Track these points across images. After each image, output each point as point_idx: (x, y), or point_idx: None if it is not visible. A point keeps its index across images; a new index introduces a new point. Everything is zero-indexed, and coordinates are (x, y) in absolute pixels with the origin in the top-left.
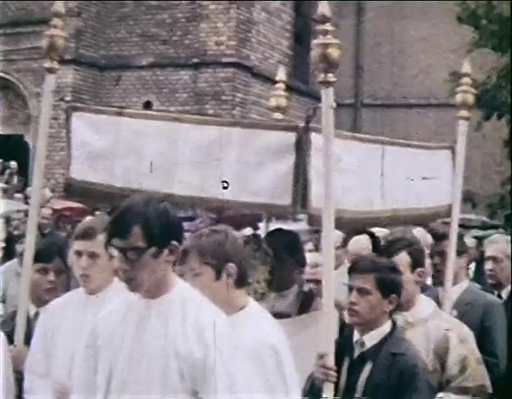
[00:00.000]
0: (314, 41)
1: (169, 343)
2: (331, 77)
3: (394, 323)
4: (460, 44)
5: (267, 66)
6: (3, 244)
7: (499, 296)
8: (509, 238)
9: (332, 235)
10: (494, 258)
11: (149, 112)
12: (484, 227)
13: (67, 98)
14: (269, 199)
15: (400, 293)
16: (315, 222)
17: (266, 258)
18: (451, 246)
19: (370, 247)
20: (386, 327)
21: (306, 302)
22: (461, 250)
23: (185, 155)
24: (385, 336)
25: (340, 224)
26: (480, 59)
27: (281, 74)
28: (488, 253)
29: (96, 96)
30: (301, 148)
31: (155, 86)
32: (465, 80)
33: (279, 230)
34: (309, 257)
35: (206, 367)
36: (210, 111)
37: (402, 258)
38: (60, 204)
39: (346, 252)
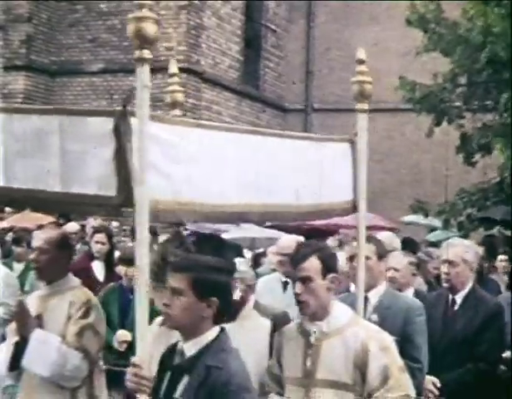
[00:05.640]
0: (129, 16)
1: None
2: (147, 54)
3: (222, 331)
4: (409, 49)
5: (217, 72)
6: None
7: (454, 301)
8: (466, 242)
9: (146, 228)
10: (450, 262)
11: None
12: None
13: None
14: (97, 189)
15: (224, 295)
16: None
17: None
18: (360, 247)
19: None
20: (208, 336)
21: (234, 310)
22: (382, 254)
23: (12, 146)
24: (205, 345)
25: (181, 216)
26: (431, 64)
27: (173, 67)
28: (444, 256)
29: (47, 102)
30: (120, 134)
31: (105, 91)
32: (361, 68)
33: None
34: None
35: None
36: None
37: (312, 264)
38: (16, 220)
39: None
